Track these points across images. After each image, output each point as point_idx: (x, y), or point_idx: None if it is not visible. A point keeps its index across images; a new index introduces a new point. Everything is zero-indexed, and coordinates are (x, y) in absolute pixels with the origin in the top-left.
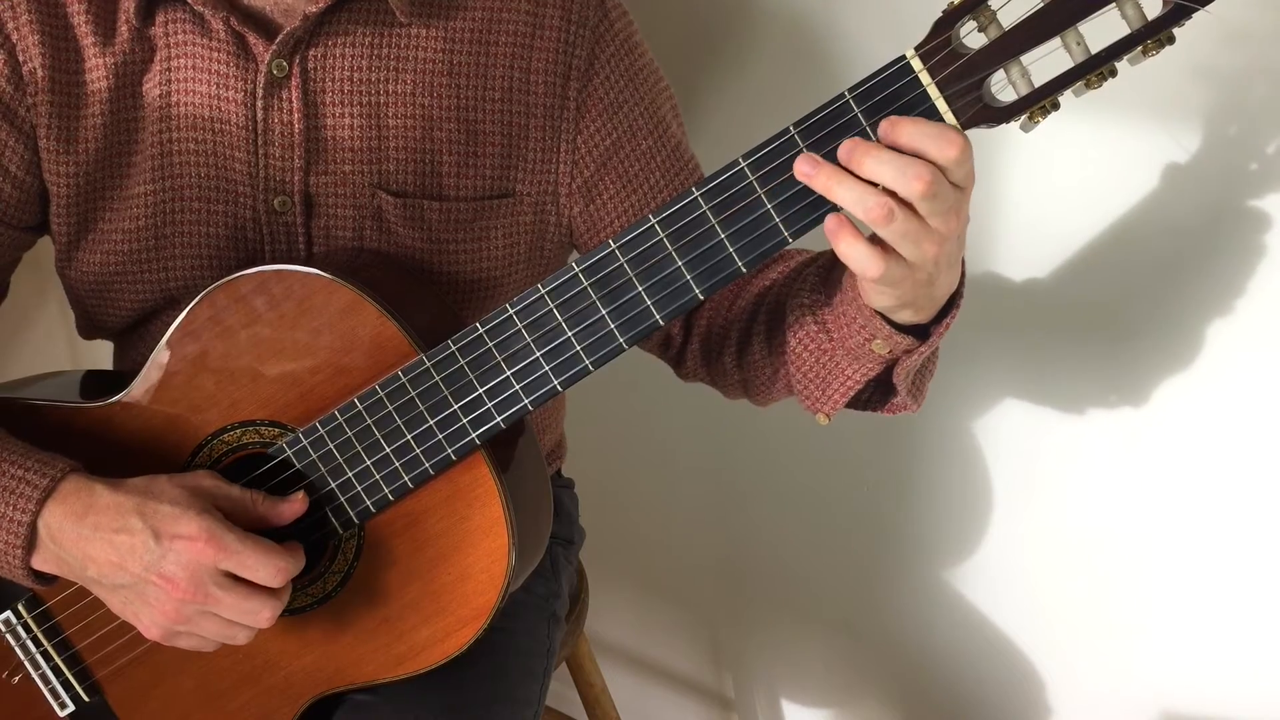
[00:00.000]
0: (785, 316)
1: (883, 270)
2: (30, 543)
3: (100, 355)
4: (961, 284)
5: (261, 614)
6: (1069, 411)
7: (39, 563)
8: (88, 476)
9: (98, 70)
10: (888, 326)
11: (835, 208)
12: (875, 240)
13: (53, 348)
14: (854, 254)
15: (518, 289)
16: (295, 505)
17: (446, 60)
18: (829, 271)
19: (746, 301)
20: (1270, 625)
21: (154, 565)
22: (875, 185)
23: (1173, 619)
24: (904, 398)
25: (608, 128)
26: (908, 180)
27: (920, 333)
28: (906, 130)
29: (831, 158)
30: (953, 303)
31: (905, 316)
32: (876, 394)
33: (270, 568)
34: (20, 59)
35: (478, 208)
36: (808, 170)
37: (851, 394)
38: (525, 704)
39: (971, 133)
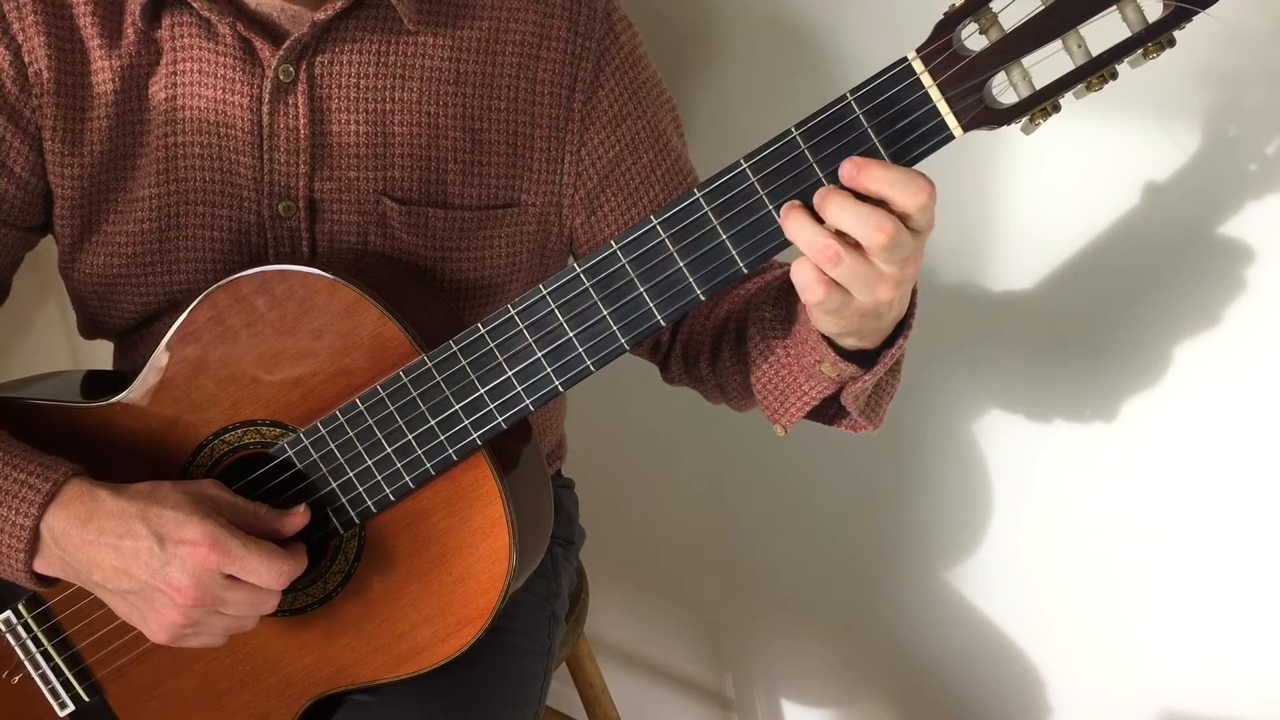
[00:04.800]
0: (749, 328)
1: (821, 298)
2: (33, 546)
3: (101, 355)
4: (911, 313)
5: (267, 604)
6: (1068, 413)
7: (41, 566)
8: (91, 481)
9: (103, 73)
10: (833, 352)
11: None
12: None
13: (53, 348)
14: (800, 277)
15: (519, 293)
16: (297, 518)
17: (453, 69)
18: (790, 288)
19: (724, 309)
20: (1270, 625)
21: (159, 571)
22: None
23: (1172, 619)
24: (856, 419)
25: (611, 140)
26: (869, 230)
27: (867, 360)
28: (874, 175)
29: (832, 160)
30: (900, 331)
31: (850, 343)
32: (839, 411)
33: (273, 571)
34: (26, 60)
35: (482, 217)
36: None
37: (807, 409)
38: (525, 704)
39: (972, 135)
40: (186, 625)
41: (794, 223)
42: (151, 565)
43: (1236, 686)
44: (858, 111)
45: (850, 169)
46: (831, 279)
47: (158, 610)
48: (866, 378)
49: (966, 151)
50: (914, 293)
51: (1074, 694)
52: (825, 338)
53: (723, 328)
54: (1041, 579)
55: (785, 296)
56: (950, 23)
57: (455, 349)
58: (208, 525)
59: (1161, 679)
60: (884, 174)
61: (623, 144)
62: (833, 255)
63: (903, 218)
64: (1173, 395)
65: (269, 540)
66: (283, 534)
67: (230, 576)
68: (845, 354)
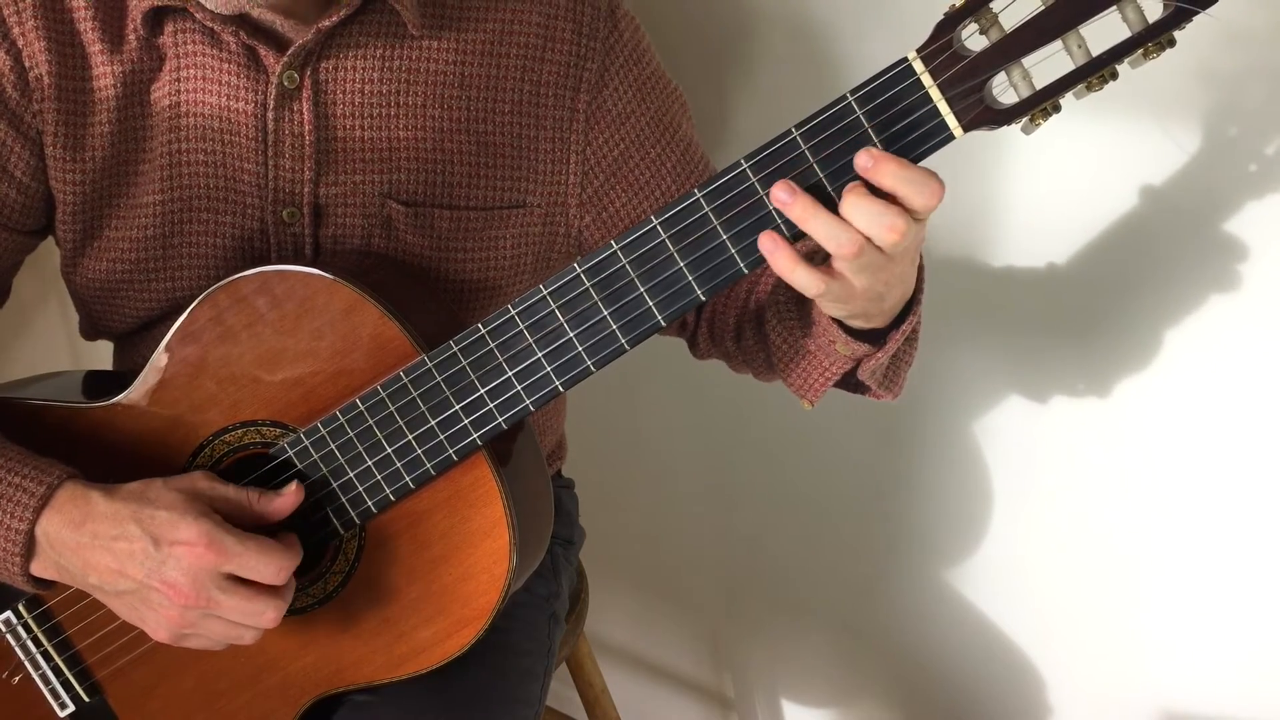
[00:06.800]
0: (767, 310)
1: (822, 291)
2: (29, 550)
3: (101, 355)
4: (919, 290)
5: (266, 615)
6: (1069, 411)
7: (38, 569)
8: (84, 483)
9: (105, 78)
10: (844, 334)
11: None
12: (817, 260)
13: (53, 348)
14: (795, 277)
15: (521, 294)
16: (290, 498)
17: (458, 72)
18: None
19: (743, 291)
20: (1270, 625)
21: (155, 571)
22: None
23: (1173, 619)
24: (876, 390)
25: (616, 138)
26: (882, 230)
27: (878, 339)
28: (889, 171)
29: (832, 159)
30: (909, 309)
31: (858, 324)
32: (861, 381)
33: (272, 566)
34: (27, 65)
35: (488, 216)
36: (784, 198)
37: (829, 384)
38: (525, 704)
39: (972, 135)
40: (184, 625)
41: (812, 214)
42: (147, 566)
43: (1236, 686)
44: (858, 111)
45: (865, 160)
46: (828, 275)
47: (155, 609)
48: (879, 355)
49: (966, 152)
50: (921, 270)
51: (1074, 694)
52: (835, 320)
53: (744, 308)
54: (1041, 579)
55: None
56: (950, 23)
57: (455, 349)
58: (203, 524)
59: (1161, 679)
60: (900, 172)
61: (628, 140)
62: (857, 249)
63: (910, 213)
64: (1174, 396)
65: (265, 528)
66: (278, 516)
67: (228, 577)
68: (856, 334)
